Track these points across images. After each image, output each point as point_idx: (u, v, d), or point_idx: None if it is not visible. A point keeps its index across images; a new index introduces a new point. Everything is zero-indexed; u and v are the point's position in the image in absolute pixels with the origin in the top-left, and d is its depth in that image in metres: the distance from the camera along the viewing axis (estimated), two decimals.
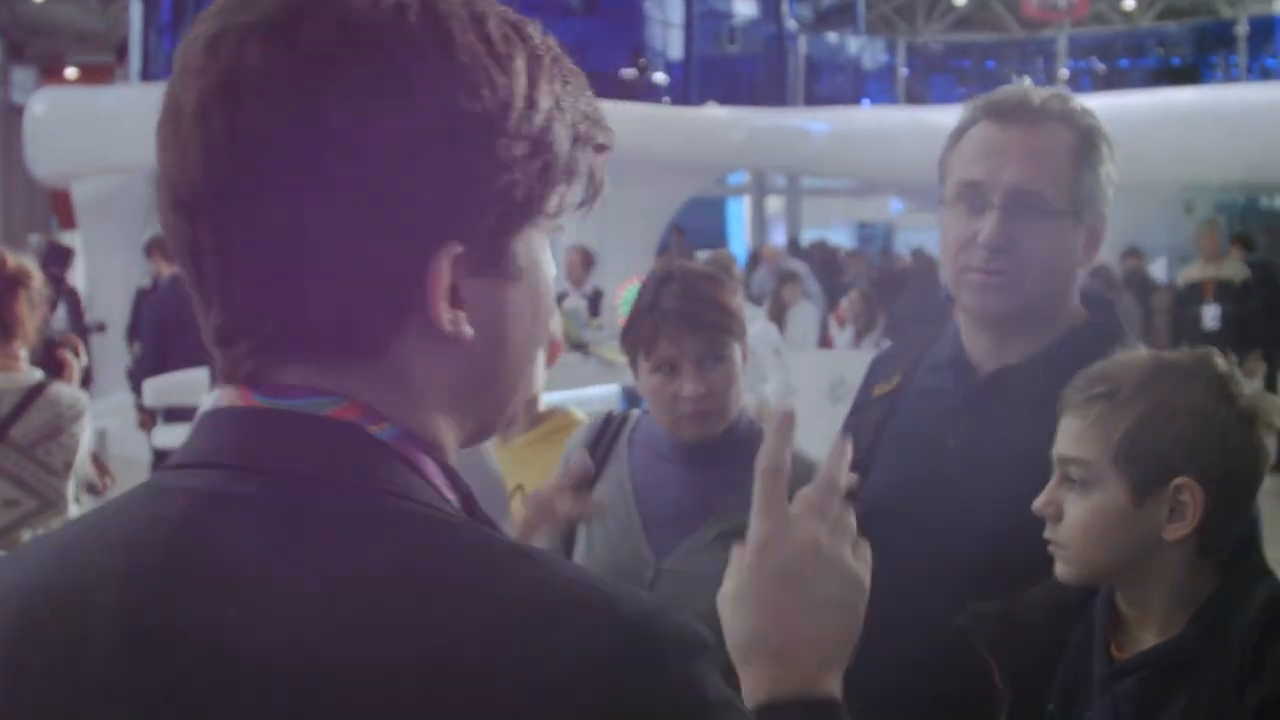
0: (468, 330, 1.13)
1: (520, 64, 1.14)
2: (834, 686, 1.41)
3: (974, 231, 2.54)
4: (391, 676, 0.96)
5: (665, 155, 19.02)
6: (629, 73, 21.94)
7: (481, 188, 1.11)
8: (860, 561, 1.49)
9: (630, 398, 12.07)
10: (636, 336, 3.10)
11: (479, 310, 1.14)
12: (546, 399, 4.72)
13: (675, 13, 22.65)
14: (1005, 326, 2.61)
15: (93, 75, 36.00)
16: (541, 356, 1.29)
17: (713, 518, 3.06)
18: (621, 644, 1.00)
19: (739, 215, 30.29)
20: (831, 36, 26.10)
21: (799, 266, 16.74)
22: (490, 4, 1.16)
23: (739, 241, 28.43)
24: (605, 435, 3.30)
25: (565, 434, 4.01)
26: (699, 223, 23.05)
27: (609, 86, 21.69)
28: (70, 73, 42.16)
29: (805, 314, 13.96)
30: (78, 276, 17.64)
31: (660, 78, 22.43)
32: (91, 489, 5.18)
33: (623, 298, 12.94)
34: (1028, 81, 2.66)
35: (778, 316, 13.21)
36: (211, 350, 1.15)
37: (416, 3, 1.10)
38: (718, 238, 26.40)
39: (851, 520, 1.48)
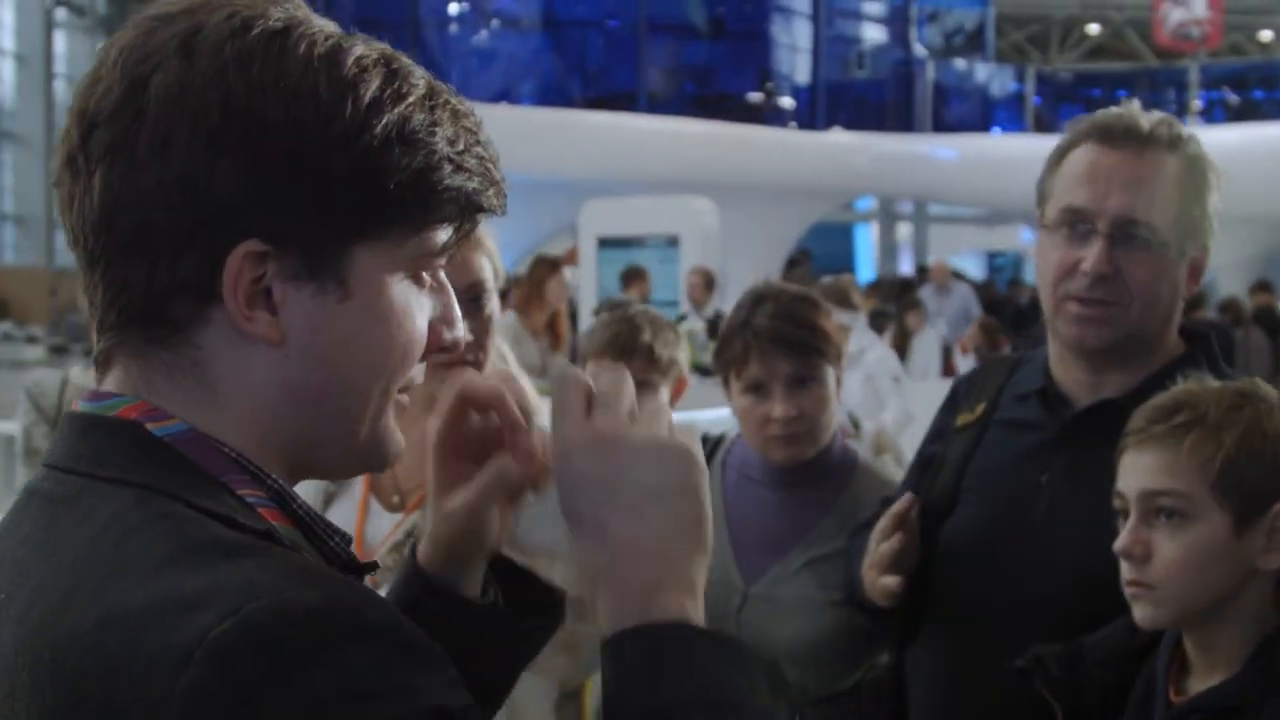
0: (270, 332, 1.17)
1: (366, 92, 1.18)
2: (680, 604, 1.26)
3: (1076, 259, 2.42)
4: (62, 650, 1.05)
5: (790, 179, 19.01)
6: (755, 97, 21.91)
7: (285, 192, 1.15)
8: (685, 435, 1.35)
9: None
10: (727, 356, 3.06)
11: (295, 319, 1.18)
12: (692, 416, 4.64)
13: (803, 37, 22.57)
14: (1103, 358, 2.48)
15: None
16: (390, 403, 1.27)
17: (803, 543, 3.02)
18: (236, 630, 1.01)
19: (867, 241, 30.14)
20: (960, 63, 25.89)
21: (967, 291, 16.57)
22: (375, 45, 1.23)
23: (866, 268, 28.29)
24: None
25: None
26: (826, 248, 22.96)
27: (736, 110, 21.80)
28: None
29: (929, 342, 13.83)
30: None
31: (786, 102, 22.37)
32: None
33: None
34: (1135, 104, 2.53)
35: (901, 343, 13.10)
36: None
37: (273, 22, 1.18)
38: (845, 263, 26.27)
39: (656, 402, 1.41)
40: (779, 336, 2.97)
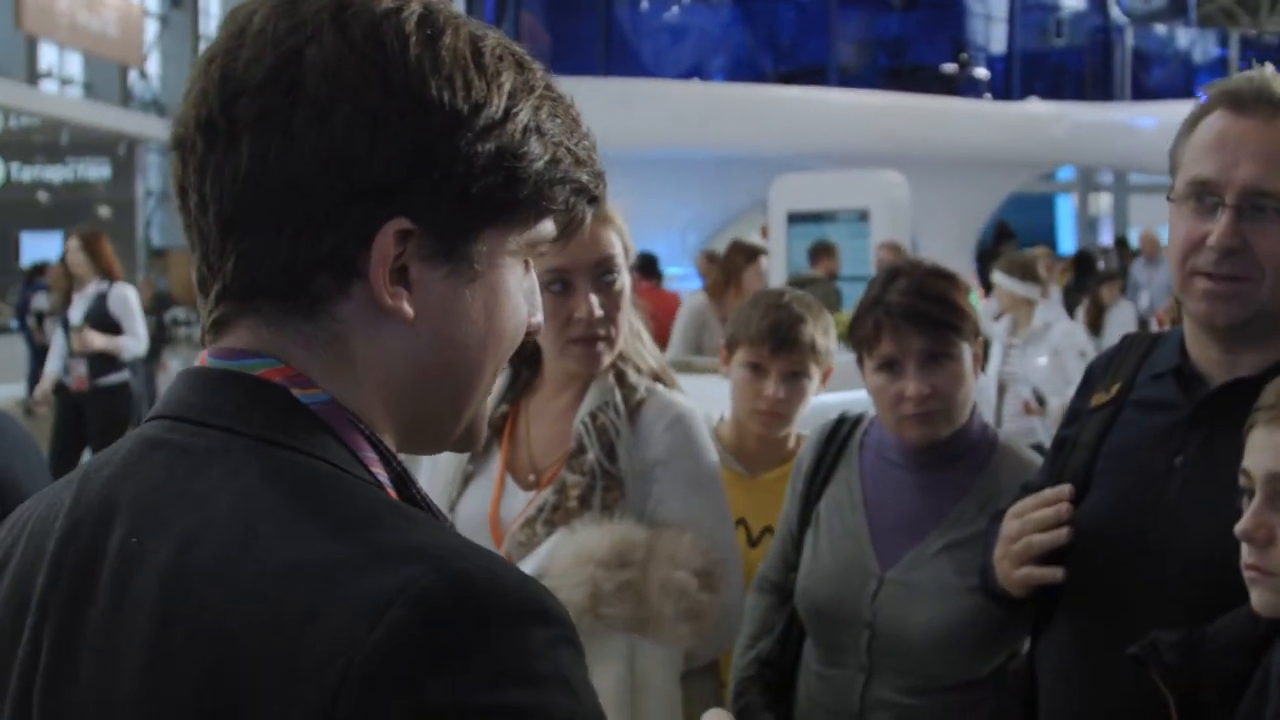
0: (407, 309, 1.20)
1: (507, 82, 1.24)
2: None
3: (1203, 233, 2.31)
4: (241, 599, 1.06)
5: (985, 151, 18.76)
6: (949, 67, 21.65)
7: (437, 173, 1.19)
8: None
9: None
10: (860, 334, 3.01)
11: (428, 298, 1.22)
12: (839, 398, 4.62)
13: (998, 6, 22.23)
14: (1236, 336, 2.37)
15: None
16: (492, 385, 1.34)
17: (940, 526, 2.98)
18: (444, 584, 1.04)
19: (1068, 213, 29.64)
20: (1160, 29, 25.30)
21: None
22: (499, 35, 1.28)
23: (1068, 240, 27.83)
24: (837, 438, 3.22)
25: None
26: (1026, 220, 22.61)
27: (929, 81, 21.57)
28: None
29: (1124, 315, 13.55)
30: None
31: (981, 73, 22.06)
32: None
33: None
34: (1269, 69, 2.39)
35: (1096, 317, 12.88)
36: (197, 302, 1.27)
37: (418, 5, 1.23)
38: (1046, 235, 25.86)
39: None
40: (912, 312, 2.92)
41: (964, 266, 16.40)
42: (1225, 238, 2.29)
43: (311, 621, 1.03)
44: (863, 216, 13.76)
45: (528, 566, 2.78)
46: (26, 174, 26.14)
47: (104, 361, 10.17)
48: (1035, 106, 20.63)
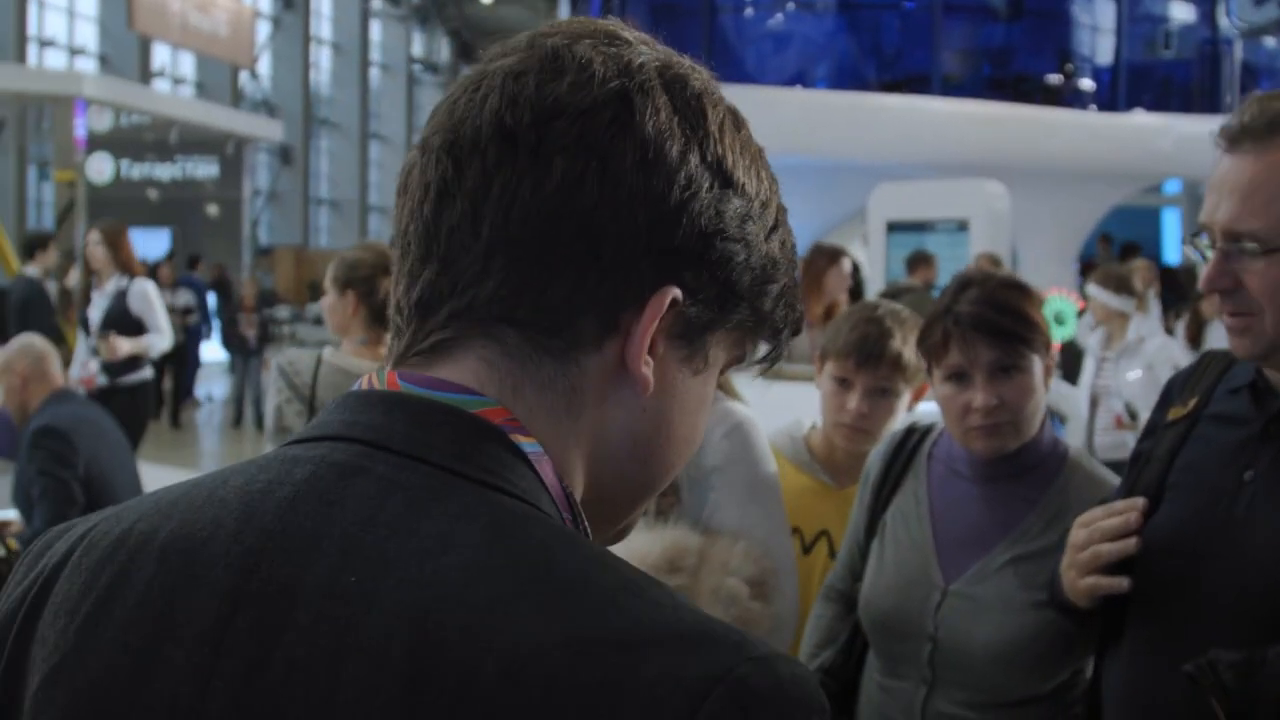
0: (651, 379, 1.16)
1: (776, 190, 1.24)
2: None
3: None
4: (516, 666, 0.96)
5: (1089, 162, 18.55)
6: (1055, 78, 21.43)
7: (722, 253, 1.16)
8: None
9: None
10: (928, 344, 3.00)
11: (663, 378, 1.18)
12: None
13: (1106, 17, 22.00)
14: None
15: None
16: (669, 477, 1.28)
17: (1007, 540, 2.95)
18: (758, 673, 0.99)
19: (1175, 225, 29.29)
20: (1270, 41, 24.91)
21: None
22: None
23: (1174, 252, 27.49)
24: (905, 448, 3.20)
25: None
26: (1131, 232, 22.36)
27: (1034, 92, 21.39)
28: None
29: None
30: None
31: (1087, 84, 21.83)
32: None
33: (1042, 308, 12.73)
34: (1262, 95, 2.35)
35: (1195, 332, 12.73)
36: (400, 322, 1.19)
37: (725, 102, 1.22)
38: (1152, 248, 25.55)
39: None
40: (981, 323, 2.89)
41: (1066, 278, 16.26)
42: (1211, 281, 2.32)
43: (609, 702, 0.96)
44: (962, 226, 13.69)
45: None
46: (136, 171, 26.51)
47: (127, 360, 9.92)
48: (1141, 118, 20.39)
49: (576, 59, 1.15)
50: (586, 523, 1.17)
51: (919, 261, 12.10)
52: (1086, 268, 17.51)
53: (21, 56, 29.02)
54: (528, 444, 1.12)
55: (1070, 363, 9.60)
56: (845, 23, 21.90)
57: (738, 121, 1.21)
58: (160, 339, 10.02)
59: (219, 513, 1.10)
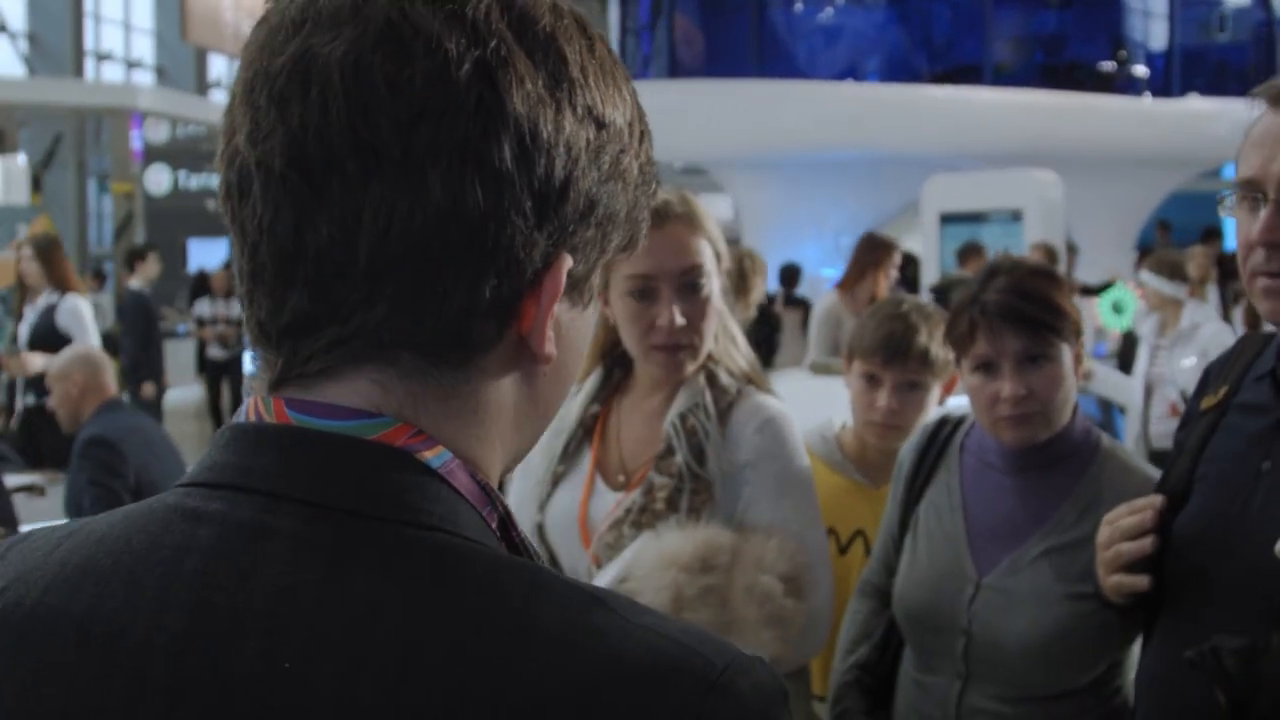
0: (553, 351, 1.10)
1: (628, 87, 1.14)
2: None
3: (1253, 230, 2.23)
4: None
5: (1144, 149, 18.44)
6: (1108, 65, 21.29)
7: (602, 197, 1.09)
8: None
9: (1100, 404, 11.74)
10: (956, 334, 2.96)
11: (560, 335, 1.12)
12: None
13: (1158, 2, 21.82)
14: None
15: None
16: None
17: (1040, 532, 2.91)
18: (720, 702, 0.96)
19: None
20: None
21: None
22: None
23: (1233, 238, 27.24)
24: (938, 440, 3.16)
25: None
26: (1191, 219, 22.17)
27: (1087, 79, 21.25)
28: None
29: None
30: None
31: (1140, 70, 21.67)
32: None
33: (1100, 300, 12.62)
34: None
35: (1254, 318, 12.59)
36: (265, 345, 1.08)
37: (570, 13, 1.10)
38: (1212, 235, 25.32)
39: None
40: (1008, 311, 2.85)
41: (1122, 266, 16.14)
42: (1267, 232, 2.21)
43: None
44: (1016, 217, 13.61)
45: (611, 569, 2.79)
46: (194, 182, 26.69)
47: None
48: (1196, 103, 20.23)
49: (420, 35, 1.01)
50: (504, 504, 1.09)
51: (970, 253, 12.03)
52: (1144, 255, 17.43)
53: (79, 71, 29.29)
54: (435, 457, 1.05)
55: (1129, 352, 9.52)
56: (895, 15, 21.81)
57: (589, 40, 1.10)
58: None
59: (130, 590, 1.01)
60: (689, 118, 18.24)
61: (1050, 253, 12.27)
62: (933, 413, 3.57)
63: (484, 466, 1.10)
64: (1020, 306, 2.86)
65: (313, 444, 1.03)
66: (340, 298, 1.03)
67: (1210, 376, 2.57)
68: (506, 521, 1.09)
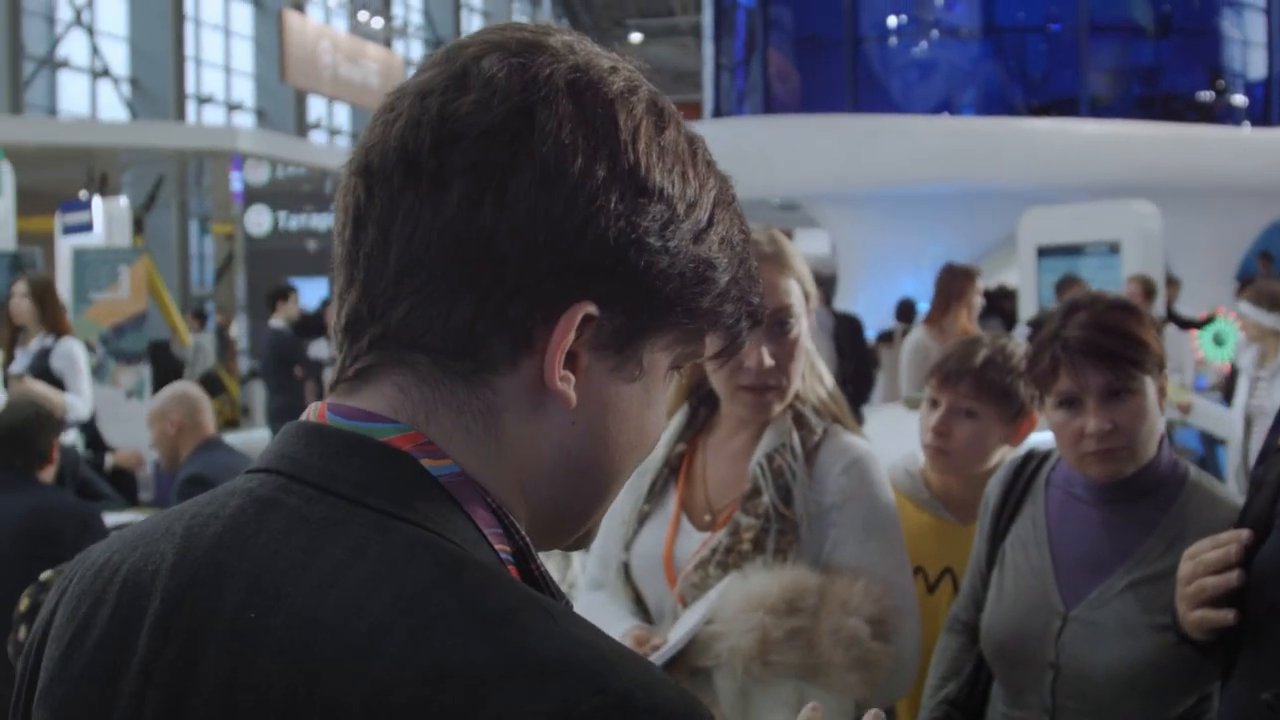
0: (572, 395, 1.15)
1: (713, 188, 1.21)
2: None
3: None
4: (377, 701, 0.99)
5: (1243, 179, 18.25)
6: (1206, 95, 21.12)
7: (639, 263, 1.15)
8: None
9: (1202, 438, 11.61)
10: (1038, 370, 2.95)
11: (590, 389, 1.17)
12: None
13: (1256, 31, 21.62)
14: None
15: (688, 113, 37.51)
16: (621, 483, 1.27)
17: (1127, 564, 2.89)
18: (604, 708, 0.98)
19: None
20: None
21: None
22: (702, 139, 1.24)
23: None
24: (1024, 474, 3.15)
25: None
26: None
27: (1185, 110, 21.07)
28: None
29: None
30: None
31: (1239, 99, 21.47)
32: None
33: (1201, 332, 12.51)
34: None
35: None
36: (336, 343, 1.21)
37: (646, 91, 1.20)
38: None
39: None
40: (1091, 347, 2.85)
41: (1223, 297, 15.97)
42: None
43: None
44: (1114, 249, 13.51)
45: (697, 610, 2.79)
46: (294, 222, 26.98)
47: None
48: None
49: (482, 75, 1.14)
50: (524, 537, 1.17)
51: (1068, 285, 11.92)
52: (1244, 286, 17.24)
53: (180, 114, 29.73)
54: (440, 467, 1.14)
55: (1232, 384, 9.43)
56: (990, 48, 21.77)
57: (660, 123, 1.18)
58: (79, 403, 8.99)
59: (166, 546, 1.16)
60: (784, 153, 18.29)
61: (1148, 285, 12.17)
62: (1000, 453, 3.54)
63: (500, 497, 1.17)
64: (1101, 341, 2.85)
65: (332, 438, 1.15)
66: (377, 297, 1.15)
67: None
68: (525, 553, 1.17)
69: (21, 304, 9.13)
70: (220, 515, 1.15)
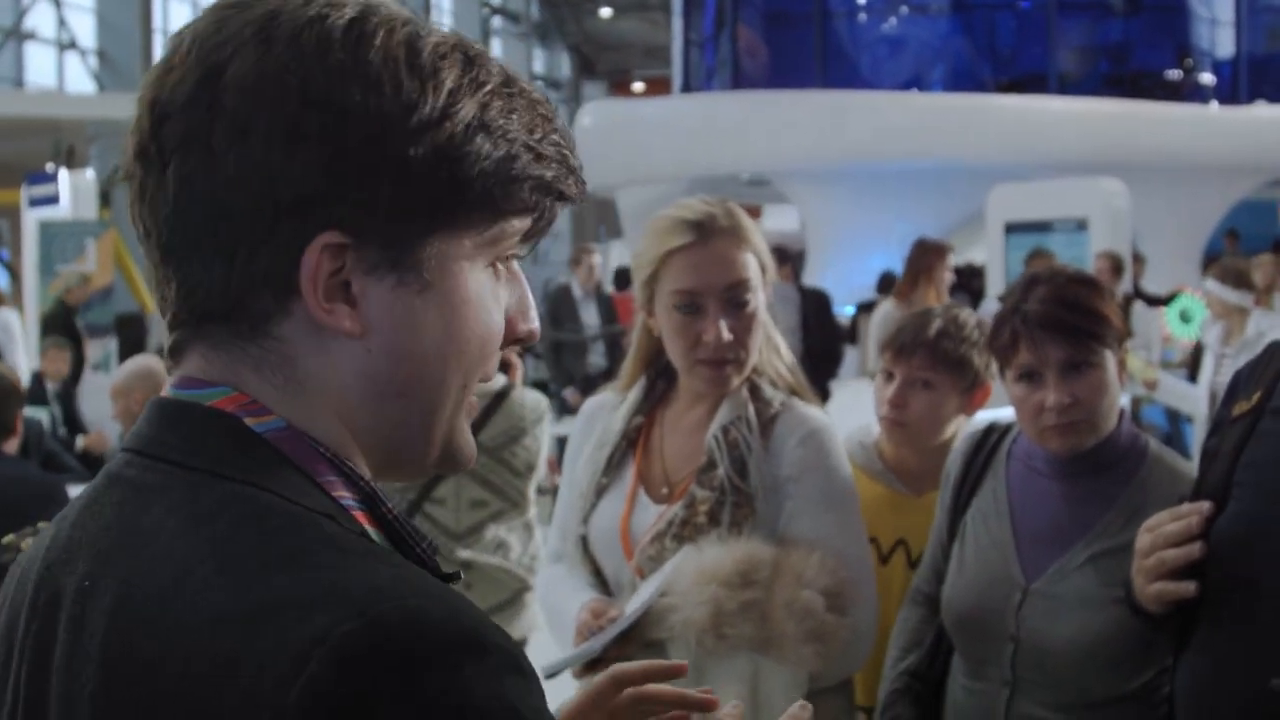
0: (348, 324, 1.15)
1: (448, 79, 1.18)
2: None
3: None
4: (168, 648, 1.03)
5: (1211, 157, 18.30)
6: (1174, 73, 21.18)
7: (365, 182, 1.13)
8: None
9: (1168, 414, 11.64)
10: (999, 344, 2.95)
11: (376, 312, 1.17)
12: None
13: (1224, 9, 21.67)
14: None
15: (658, 88, 37.38)
16: (466, 398, 1.26)
17: (1087, 537, 2.89)
18: (361, 632, 0.98)
19: None
20: None
21: None
22: (451, 34, 1.22)
23: None
24: (985, 447, 3.15)
25: None
26: (1259, 227, 22.01)
27: (1153, 88, 21.13)
28: (637, 86, 43.80)
29: None
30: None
31: (1207, 78, 21.53)
32: (541, 490, 5.30)
33: (1168, 309, 12.53)
34: None
35: None
36: None
37: (352, 9, 1.18)
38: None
39: None
40: (1050, 321, 2.85)
41: (1190, 275, 16.02)
42: None
43: (232, 674, 0.99)
44: (1081, 226, 13.53)
45: (651, 584, 2.79)
46: None
47: None
48: (1263, 111, 20.06)
49: (182, 51, 1.16)
50: (368, 482, 1.19)
51: (1038, 259, 11.94)
52: (1211, 263, 17.32)
53: None
54: (264, 424, 1.16)
55: (1197, 361, 9.45)
56: (960, 24, 21.79)
57: (364, 34, 1.16)
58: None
59: (51, 531, 1.22)
60: (753, 129, 18.27)
61: (1116, 261, 12.19)
62: (955, 424, 3.53)
63: (329, 441, 1.19)
64: (1062, 315, 2.85)
65: (169, 409, 1.19)
66: (161, 281, 1.20)
67: (1241, 382, 2.53)
68: (373, 497, 1.19)
69: None
70: (87, 494, 1.21)
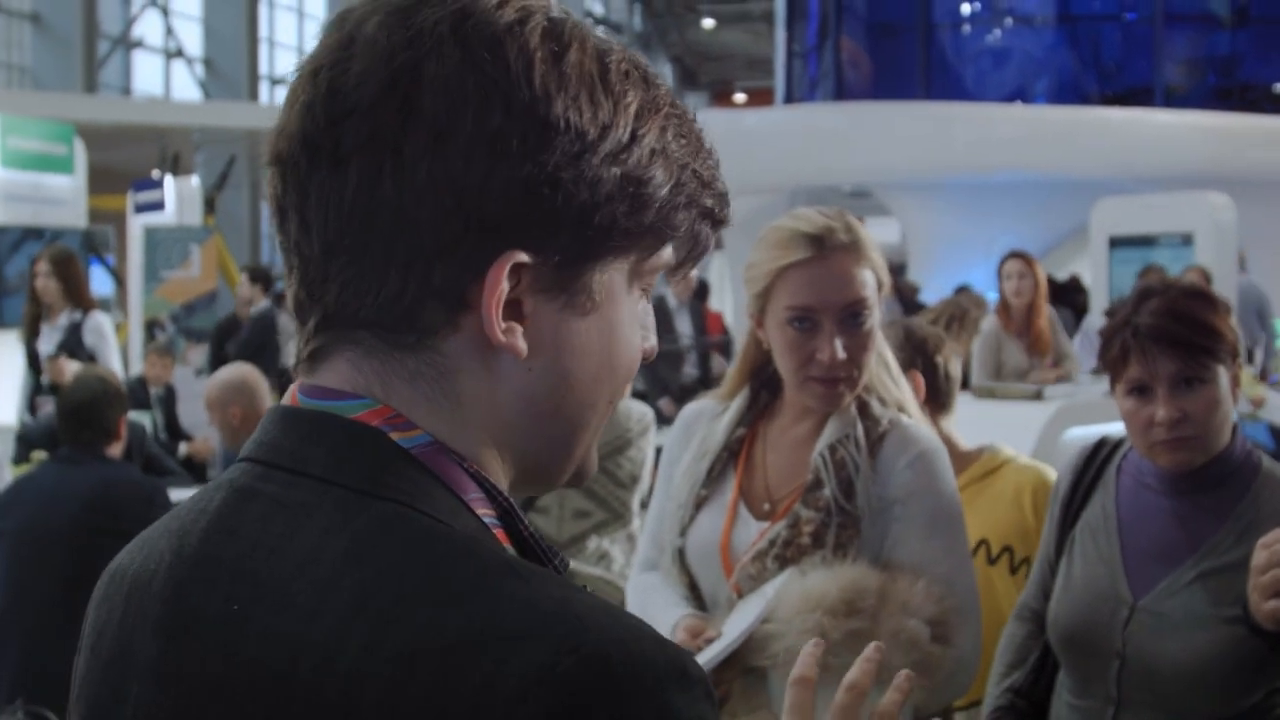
0: (520, 345, 1.13)
1: (633, 100, 1.16)
2: None
3: None
4: (353, 684, 0.99)
5: None
6: None
7: (558, 201, 1.11)
8: None
9: (1272, 432, 11.47)
10: (1109, 357, 2.90)
11: (542, 332, 1.15)
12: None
13: None
14: None
15: (760, 99, 37.36)
16: (606, 418, 1.25)
17: (1197, 554, 2.85)
18: (579, 668, 0.97)
19: None
20: None
21: None
22: (622, 48, 1.19)
23: None
24: (1095, 461, 3.10)
25: (998, 477, 3.75)
26: None
27: (1261, 100, 20.84)
28: (739, 97, 43.80)
29: None
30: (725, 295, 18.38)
31: None
32: (644, 503, 5.23)
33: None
34: None
35: None
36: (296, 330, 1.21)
37: (542, 17, 1.14)
38: None
39: None
40: (1162, 334, 2.80)
41: None
42: None
43: (450, 706, 0.97)
44: (1187, 240, 13.36)
45: (753, 607, 2.74)
46: None
47: None
48: None
49: (365, 39, 1.12)
50: (507, 499, 1.17)
51: (1150, 275, 11.80)
52: None
53: (253, 94, 29.89)
54: (410, 439, 1.13)
55: None
56: (1065, 36, 21.60)
57: (559, 48, 1.13)
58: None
59: (164, 545, 1.17)
60: (856, 140, 18.19)
61: (1205, 276, 12.04)
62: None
63: (476, 458, 1.16)
64: (1173, 329, 2.81)
65: (303, 420, 1.15)
66: (312, 282, 1.14)
67: None
68: (511, 513, 1.17)
69: (47, 282, 9.01)
70: (208, 510, 1.15)
